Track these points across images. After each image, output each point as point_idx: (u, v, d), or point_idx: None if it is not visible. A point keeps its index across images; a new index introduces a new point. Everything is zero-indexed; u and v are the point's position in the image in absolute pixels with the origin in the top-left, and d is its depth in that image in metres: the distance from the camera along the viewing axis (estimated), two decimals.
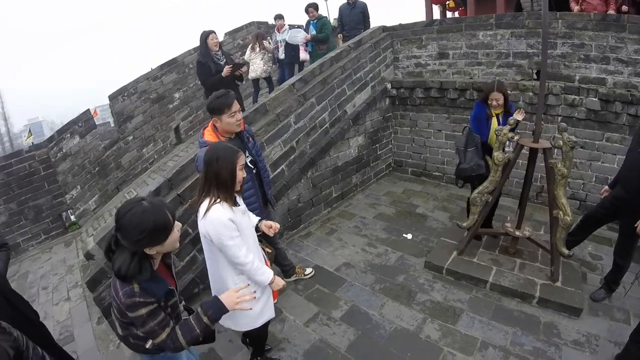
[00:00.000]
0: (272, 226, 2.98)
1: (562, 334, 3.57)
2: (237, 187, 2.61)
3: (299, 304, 4.23)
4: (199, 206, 2.53)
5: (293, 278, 4.56)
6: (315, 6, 7.93)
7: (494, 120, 4.39)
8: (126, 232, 1.84)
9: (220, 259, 2.66)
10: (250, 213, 2.97)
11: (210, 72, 5.81)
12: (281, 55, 8.20)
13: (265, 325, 3.10)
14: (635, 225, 3.41)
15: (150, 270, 1.93)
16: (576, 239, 4.29)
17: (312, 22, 7.93)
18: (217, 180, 2.49)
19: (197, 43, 6.26)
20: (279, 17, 8.43)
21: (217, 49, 5.92)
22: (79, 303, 5.06)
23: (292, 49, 8.06)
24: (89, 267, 3.99)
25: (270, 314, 2.99)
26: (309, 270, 4.67)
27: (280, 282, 2.90)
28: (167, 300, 2.05)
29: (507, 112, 4.40)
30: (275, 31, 8.38)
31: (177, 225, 2.01)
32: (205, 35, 5.82)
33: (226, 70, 5.68)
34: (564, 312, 3.79)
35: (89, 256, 3.96)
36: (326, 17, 8.06)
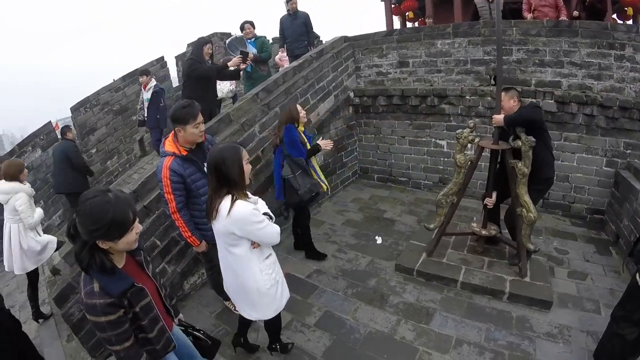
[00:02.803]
0: None
1: (534, 327, 3.62)
2: (247, 181, 2.67)
3: None
4: (218, 207, 2.55)
5: None
6: (252, 23, 7.27)
7: (304, 137, 4.53)
8: (82, 219, 1.77)
9: (244, 253, 2.68)
10: (260, 205, 2.92)
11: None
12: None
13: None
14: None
15: (101, 263, 1.82)
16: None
17: (249, 41, 7.12)
18: (229, 180, 2.54)
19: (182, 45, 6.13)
20: (145, 72, 7.66)
21: (208, 58, 5.89)
22: (47, 321, 4.80)
23: (156, 111, 7.46)
24: (55, 282, 3.79)
25: (287, 294, 3.10)
26: None
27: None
28: (137, 300, 1.94)
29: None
30: (142, 88, 7.67)
31: (137, 227, 1.93)
32: (203, 43, 5.76)
33: (235, 60, 5.60)
34: (535, 305, 3.85)
35: (55, 271, 3.77)
36: (264, 36, 7.57)
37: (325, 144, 4.52)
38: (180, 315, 2.56)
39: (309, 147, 4.49)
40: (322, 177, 4.76)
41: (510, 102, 4.08)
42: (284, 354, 3.51)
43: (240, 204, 2.50)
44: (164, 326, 2.13)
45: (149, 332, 2.03)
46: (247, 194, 2.67)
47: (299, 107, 4.38)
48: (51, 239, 5.20)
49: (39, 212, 5.10)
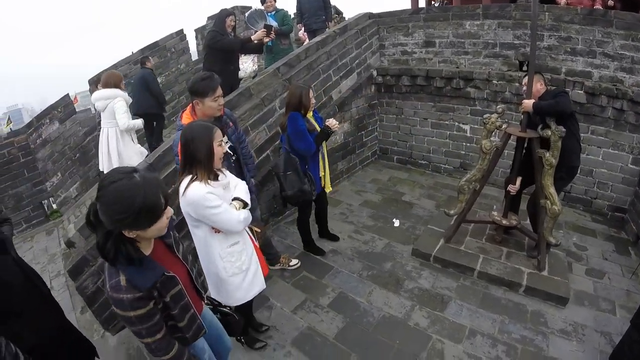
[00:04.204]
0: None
1: (549, 323, 3.60)
2: (218, 164, 2.58)
3: (286, 291, 4.17)
4: (179, 185, 2.51)
5: (277, 267, 4.48)
6: None
7: (314, 123, 4.17)
8: (106, 207, 1.56)
9: (204, 236, 2.65)
10: (235, 185, 2.85)
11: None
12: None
13: (250, 301, 3.08)
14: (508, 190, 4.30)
15: (128, 255, 1.66)
16: None
17: (270, 14, 6.79)
18: (194, 160, 2.46)
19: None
20: (94, 81, 7.04)
21: (231, 30, 5.80)
22: (62, 292, 4.87)
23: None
24: (70, 255, 3.83)
25: (261, 285, 2.96)
26: (294, 261, 4.57)
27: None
28: (167, 290, 1.82)
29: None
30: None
31: (169, 211, 1.75)
32: (225, 15, 5.69)
33: (259, 34, 5.57)
34: (551, 301, 3.82)
35: (70, 244, 3.81)
36: (284, 9, 7.16)
37: (334, 124, 4.11)
38: (208, 292, 2.49)
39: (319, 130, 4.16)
40: (327, 176, 4.45)
41: (536, 86, 3.99)
42: (250, 348, 3.47)
43: (194, 186, 2.43)
44: (194, 314, 2.03)
45: (179, 321, 1.93)
46: (218, 176, 2.60)
47: (311, 94, 4.02)
48: (143, 150, 5.74)
49: (138, 121, 5.64)
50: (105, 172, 5.46)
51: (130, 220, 1.58)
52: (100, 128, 5.64)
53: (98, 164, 5.90)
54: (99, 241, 1.64)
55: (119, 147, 5.48)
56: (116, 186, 1.56)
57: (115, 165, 5.42)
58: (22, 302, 2.39)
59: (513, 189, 4.28)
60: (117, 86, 5.42)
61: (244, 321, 2.73)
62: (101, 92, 5.39)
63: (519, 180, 4.26)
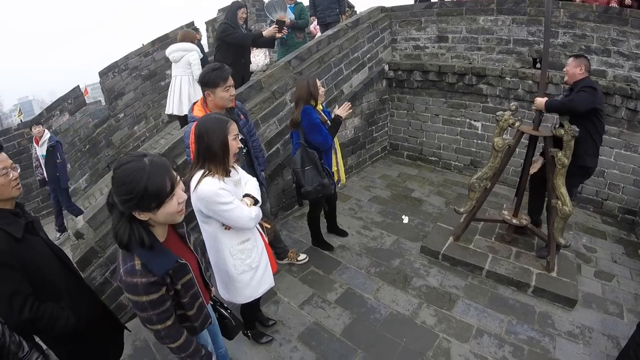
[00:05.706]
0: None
1: (556, 325, 3.59)
2: (232, 159, 2.50)
3: (294, 286, 4.18)
4: (190, 180, 2.43)
5: (285, 262, 4.49)
6: None
7: (325, 117, 4.07)
8: (115, 188, 1.64)
9: (214, 232, 2.59)
10: (246, 181, 2.78)
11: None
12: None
13: (257, 298, 3.02)
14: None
15: (140, 238, 1.69)
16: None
17: (288, 6, 6.68)
18: (208, 153, 2.40)
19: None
20: (37, 122, 6.70)
21: (243, 22, 5.79)
22: None
23: (54, 169, 6.52)
24: (79, 246, 3.84)
25: (270, 282, 2.92)
26: (302, 256, 4.57)
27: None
28: (178, 277, 1.85)
29: None
30: (34, 143, 6.68)
31: (180, 196, 1.76)
32: (237, 7, 5.68)
33: (271, 30, 5.58)
34: (559, 302, 3.80)
35: (78, 235, 3.82)
36: (302, 3, 7.14)
37: (343, 111, 4.04)
38: (213, 289, 2.46)
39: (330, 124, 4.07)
40: (342, 168, 4.42)
41: (575, 70, 3.85)
42: (256, 342, 3.48)
43: (206, 181, 2.37)
44: (203, 302, 2.08)
45: (189, 310, 1.97)
46: (230, 171, 2.53)
47: (318, 83, 3.93)
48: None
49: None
50: (174, 113, 6.31)
51: (136, 202, 1.62)
52: (172, 76, 6.37)
53: (165, 109, 6.64)
54: (114, 223, 1.70)
55: (190, 92, 6.15)
56: (125, 168, 1.63)
57: (186, 107, 6.10)
58: (55, 286, 2.26)
59: (535, 167, 4.22)
60: (192, 42, 6.23)
61: (242, 326, 2.73)
62: (179, 45, 6.13)
63: (540, 160, 4.21)
